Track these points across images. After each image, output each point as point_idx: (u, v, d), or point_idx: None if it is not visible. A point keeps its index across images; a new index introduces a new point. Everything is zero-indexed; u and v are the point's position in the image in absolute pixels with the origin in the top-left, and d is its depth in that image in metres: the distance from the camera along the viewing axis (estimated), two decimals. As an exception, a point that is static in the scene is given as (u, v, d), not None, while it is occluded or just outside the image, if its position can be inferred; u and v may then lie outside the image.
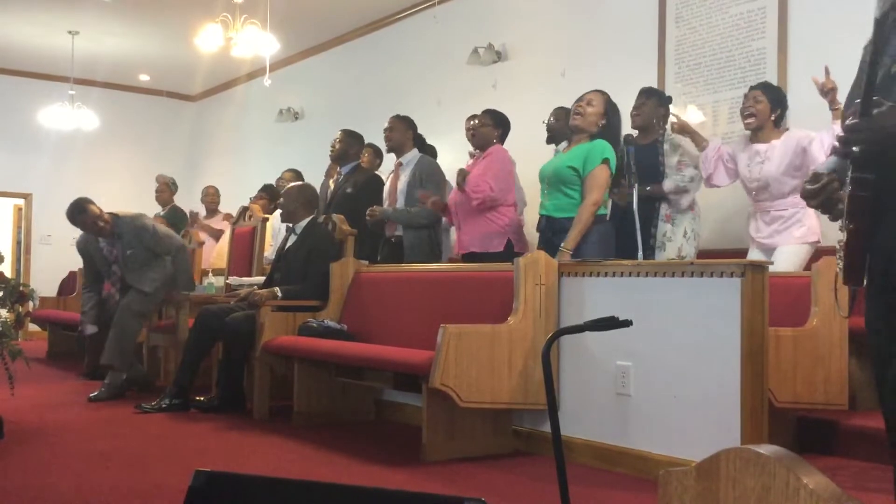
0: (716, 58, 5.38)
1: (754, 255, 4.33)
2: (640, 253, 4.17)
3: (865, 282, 1.79)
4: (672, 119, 4.66)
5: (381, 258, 5.42)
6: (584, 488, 3.01)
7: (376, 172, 6.18)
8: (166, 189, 8.35)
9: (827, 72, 3.95)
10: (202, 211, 8.11)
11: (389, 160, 5.95)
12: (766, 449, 1.43)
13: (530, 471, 3.38)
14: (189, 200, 8.89)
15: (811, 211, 3.98)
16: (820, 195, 1.83)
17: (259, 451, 3.73)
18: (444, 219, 5.31)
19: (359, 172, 5.92)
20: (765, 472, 1.40)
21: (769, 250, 4.31)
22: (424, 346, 3.64)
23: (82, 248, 5.69)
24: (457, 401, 3.44)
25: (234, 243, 6.12)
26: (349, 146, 5.96)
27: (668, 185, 4.50)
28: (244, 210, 6.23)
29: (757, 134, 4.39)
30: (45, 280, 9.12)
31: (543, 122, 5.33)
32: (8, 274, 4.41)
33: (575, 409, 3.58)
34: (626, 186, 4.42)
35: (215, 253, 7.33)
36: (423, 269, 4.57)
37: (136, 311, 5.34)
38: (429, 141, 5.81)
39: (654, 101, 4.69)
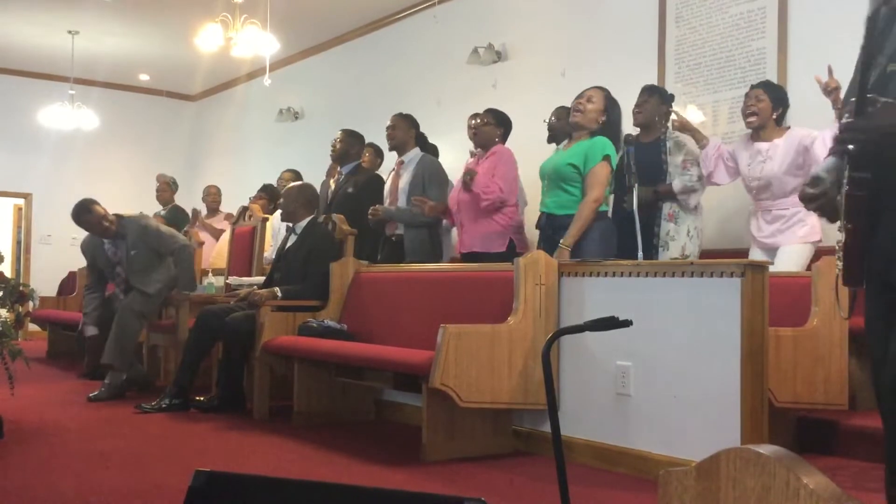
0: (716, 57, 5.38)
1: (755, 254, 4.33)
2: (640, 253, 4.17)
3: (865, 282, 1.79)
4: (672, 117, 4.66)
5: (381, 257, 5.41)
6: (584, 488, 3.01)
7: (377, 172, 6.18)
8: (167, 188, 8.36)
9: (830, 71, 3.94)
10: (203, 210, 8.11)
11: (390, 160, 5.95)
12: (766, 449, 1.43)
13: (530, 471, 3.38)
14: (189, 200, 8.89)
15: None
16: (818, 200, 1.83)
17: (259, 451, 3.73)
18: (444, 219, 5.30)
19: (360, 172, 5.92)
20: (765, 472, 1.40)
21: (770, 250, 4.31)
22: (424, 346, 3.64)
23: (87, 249, 5.70)
24: (457, 401, 3.44)
25: (234, 243, 6.12)
26: (350, 146, 5.96)
27: (677, 185, 4.49)
28: (244, 210, 6.23)
29: (759, 133, 4.38)
30: (45, 280, 9.12)
31: (545, 122, 5.33)
32: (8, 274, 4.41)
33: (575, 409, 3.58)
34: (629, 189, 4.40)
35: (215, 253, 7.33)
36: (423, 269, 4.57)
37: (137, 311, 5.34)
38: (429, 141, 5.80)
39: (656, 98, 4.68)
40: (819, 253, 4.16)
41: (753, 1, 5.18)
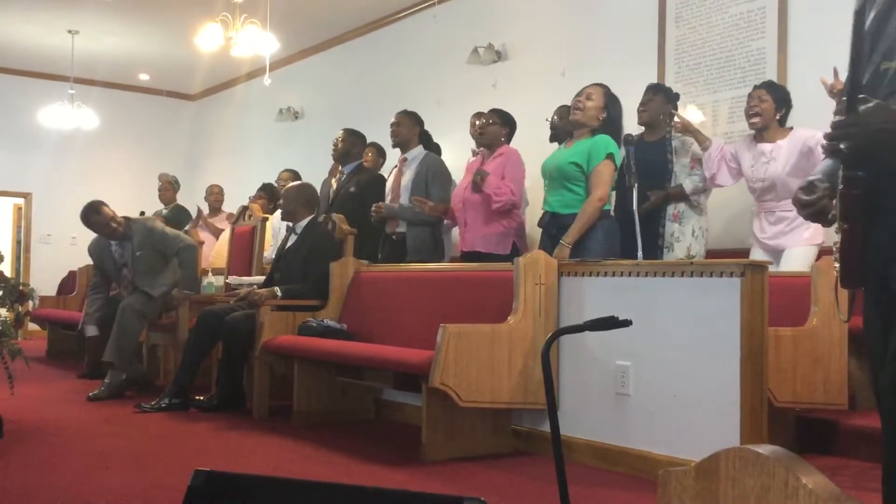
0: (716, 57, 5.38)
1: (757, 255, 4.31)
2: (640, 252, 4.17)
3: (863, 283, 1.79)
4: (675, 120, 4.63)
5: (382, 256, 5.40)
6: (583, 488, 3.01)
7: (379, 172, 6.17)
8: (169, 188, 8.36)
9: (836, 73, 3.93)
10: (205, 209, 8.10)
11: (392, 160, 5.94)
12: (765, 449, 1.43)
13: (530, 470, 3.38)
14: (189, 200, 8.89)
15: None
16: (810, 208, 1.83)
17: (259, 450, 3.73)
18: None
19: (362, 172, 5.91)
20: (764, 471, 1.40)
21: (773, 251, 4.29)
22: (424, 345, 3.64)
23: (94, 251, 5.75)
24: (456, 400, 3.44)
25: (234, 243, 6.12)
26: (352, 145, 5.95)
27: (688, 186, 4.48)
28: (244, 209, 6.23)
29: (762, 133, 4.36)
30: (45, 279, 9.11)
31: (547, 120, 5.32)
32: (8, 273, 4.41)
33: (574, 409, 3.58)
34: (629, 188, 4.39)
35: (214, 252, 7.33)
36: (423, 269, 4.57)
37: (139, 310, 5.35)
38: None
39: (661, 97, 4.66)
40: (819, 253, 4.16)
41: (753, 1, 5.18)
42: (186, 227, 7.41)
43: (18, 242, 11.01)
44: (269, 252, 5.99)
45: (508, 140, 4.97)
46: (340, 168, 5.99)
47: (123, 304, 5.36)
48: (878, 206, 1.69)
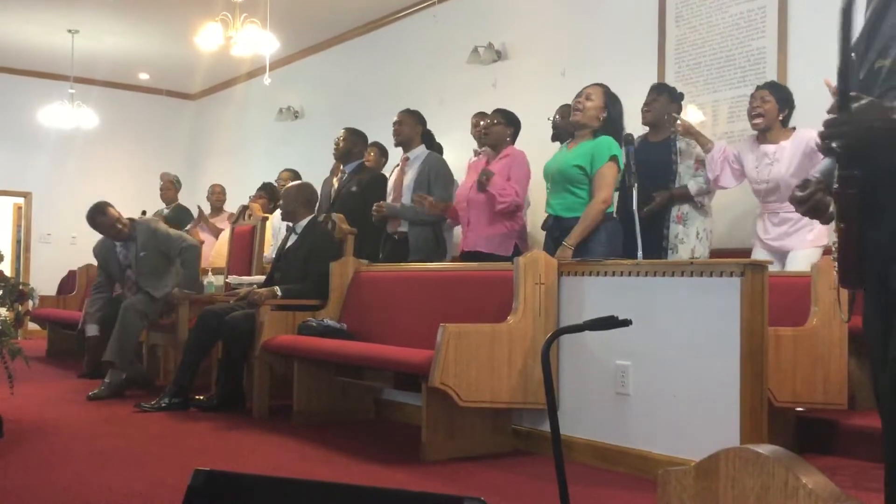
0: (716, 57, 5.38)
1: (760, 255, 4.29)
2: (640, 252, 4.17)
3: (863, 283, 1.78)
4: (677, 123, 4.60)
5: (383, 256, 5.39)
6: (583, 487, 3.01)
7: (381, 171, 6.16)
8: (171, 187, 8.35)
9: None
10: (206, 209, 8.09)
11: (395, 159, 5.93)
12: (765, 448, 1.43)
13: (530, 470, 3.38)
14: (189, 199, 8.89)
15: None
16: (806, 203, 1.83)
17: (258, 450, 3.73)
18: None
19: (363, 171, 5.90)
20: (764, 471, 1.40)
21: (777, 252, 4.28)
22: (424, 345, 3.64)
23: (99, 252, 5.79)
24: (456, 400, 3.44)
25: (234, 242, 6.12)
26: (353, 144, 5.94)
27: (692, 187, 4.47)
28: (244, 209, 6.23)
29: (765, 134, 4.35)
30: (45, 279, 9.12)
31: (549, 119, 5.32)
32: (8, 272, 4.41)
33: (574, 409, 3.58)
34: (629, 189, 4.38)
35: (214, 252, 7.33)
36: (423, 269, 4.57)
37: (141, 310, 5.37)
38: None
39: (665, 97, 4.65)
40: (823, 254, 4.15)
41: (753, 0, 5.18)
42: (187, 227, 7.40)
43: (18, 242, 11.02)
44: (270, 252, 5.98)
45: (513, 140, 4.94)
46: (342, 167, 5.98)
47: (126, 304, 5.38)
48: (875, 205, 1.68)
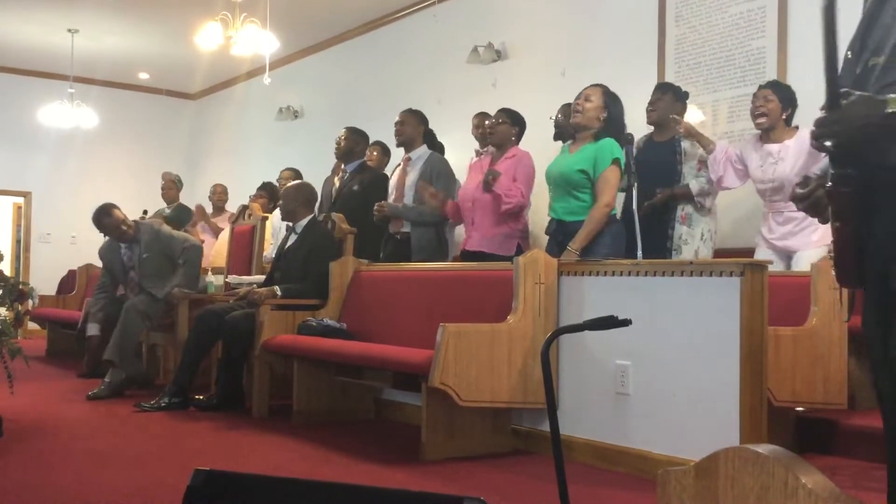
0: (716, 57, 5.38)
1: (763, 253, 4.28)
2: (640, 252, 4.16)
3: (861, 283, 1.78)
4: (678, 126, 4.59)
5: (384, 256, 5.38)
6: (583, 487, 3.01)
7: (383, 171, 6.15)
8: (172, 186, 8.34)
9: None
10: (209, 208, 8.08)
11: (397, 159, 5.92)
12: (764, 448, 1.43)
13: (529, 470, 3.38)
14: (189, 199, 8.88)
15: None
16: (806, 200, 1.82)
17: (258, 449, 3.73)
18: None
19: (365, 170, 5.89)
20: (763, 471, 1.40)
21: (782, 251, 4.27)
22: (424, 345, 3.64)
23: (104, 254, 5.82)
24: (456, 400, 3.44)
25: (234, 242, 6.12)
26: (355, 144, 5.93)
27: (694, 186, 4.46)
28: (244, 208, 6.23)
29: (768, 134, 4.33)
30: (45, 278, 9.12)
31: (551, 119, 5.31)
32: (7, 272, 4.41)
33: (574, 409, 3.58)
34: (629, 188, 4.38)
35: (214, 251, 7.33)
36: (423, 268, 4.57)
37: (142, 311, 5.39)
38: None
39: (669, 96, 4.64)
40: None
41: (753, 0, 5.18)
42: (186, 227, 7.40)
43: (18, 241, 11.02)
44: (270, 251, 5.98)
45: (518, 140, 4.91)
46: (343, 166, 5.98)
47: (128, 305, 5.41)
48: (872, 204, 1.67)
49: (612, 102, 4.14)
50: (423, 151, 5.37)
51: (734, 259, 3.28)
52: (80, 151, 10.43)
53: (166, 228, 5.77)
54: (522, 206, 4.72)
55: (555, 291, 3.69)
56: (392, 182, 5.47)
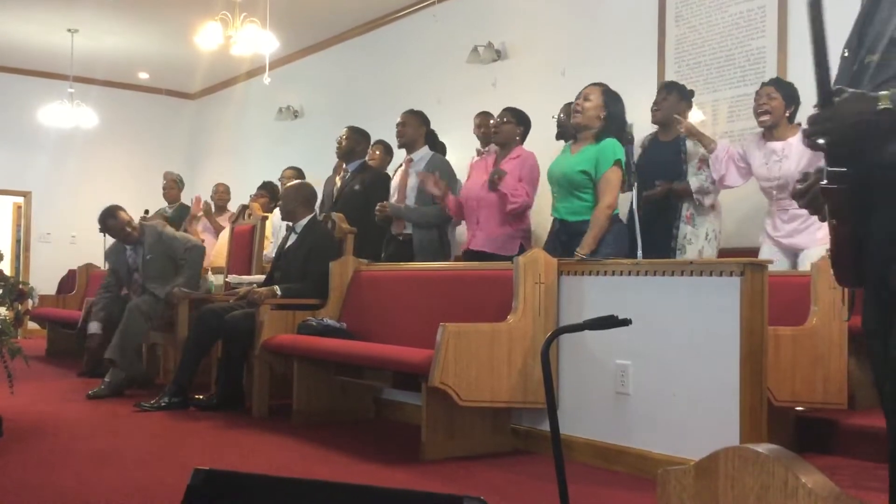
0: (715, 57, 5.38)
1: (768, 250, 4.27)
2: (640, 252, 4.16)
3: (861, 283, 1.77)
4: (679, 126, 4.58)
5: (385, 256, 5.37)
6: (583, 487, 3.01)
7: (384, 170, 6.15)
8: (174, 186, 8.33)
9: None
10: (211, 207, 8.06)
11: (399, 158, 5.91)
12: (764, 448, 1.43)
13: (529, 469, 3.38)
14: (189, 199, 8.88)
15: None
16: (805, 195, 1.81)
17: (258, 449, 3.73)
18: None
19: (366, 170, 5.89)
20: (763, 470, 1.40)
21: (788, 249, 4.27)
22: (424, 344, 3.64)
23: (110, 255, 5.89)
24: (456, 399, 3.44)
25: (234, 242, 6.12)
26: (356, 143, 5.93)
27: (693, 183, 4.46)
28: (243, 208, 6.23)
29: (772, 132, 4.33)
30: (45, 278, 9.11)
31: (553, 118, 5.31)
32: (7, 272, 4.42)
33: (574, 408, 3.58)
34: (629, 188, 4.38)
35: (215, 252, 7.33)
36: (423, 268, 4.57)
37: (145, 311, 5.40)
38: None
39: (675, 95, 4.63)
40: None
41: (753, 0, 5.17)
42: (184, 226, 7.40)
43: (18, 241, 11.01)
44: (270, 250, 5.98)
45: (523, 139, 4.90)
46: (345, 166, 5.98)
47: (131, 305, 5.43)
48: (869, 202, 1.66)
49: (611, 101, 4.13)
50: (424, 153, 5.36)
51: (734, 259, 3.28)
52: (80, 151, 10.43)
53: (169, 230, 5.80)
54: (527, 206, 4.72)
55: (555, 291, 3.69)
56: (394, 183, 5.46)
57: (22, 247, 10.66)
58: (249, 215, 6.04)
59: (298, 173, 7.01)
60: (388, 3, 7.82)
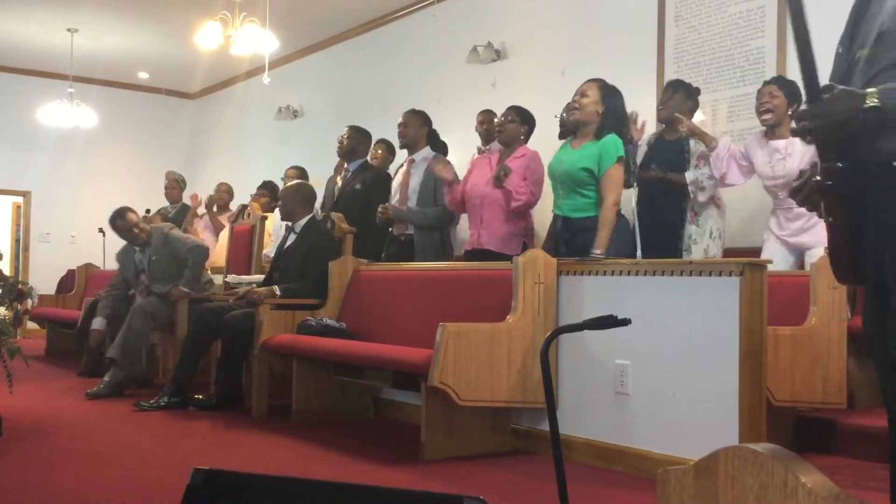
0: (715, 57, 5.38)
1: (772, 249, 4.26)
2: (640, 252, 4.16)
3: (860, 282, 1.77)
4: (680, 126, 4.58)
5: (386, 256, 5.37)
6: (582, 487, 3.01)
7: (386, 169, 6.14)
8: (176, 186, 8.32)
9: None
10: (213, 207, 8.05)
11: (401, 157, 5.90)
12: (764, 447, 1.43)
13: (529, 469, 3.38)
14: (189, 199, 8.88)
15: None
16: (801, 192, 1.81)
17: (257, 449, 3.73)
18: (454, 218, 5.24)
19: (367, 169, 5.88)
20: (763, 470, 1.40)
21: (793, 247, 4.27)
22: (423, 344, 3.63)
23: (120, 256, 5.93)
24: (455, 399, 3.44)
25: (233, 241, 6.12)
26: (357, 142, 5.92)
27: (689, 176, 4.46)
28: (243, 208, 6.23)
29: (774, 130, 4.32)
30: (44, 278, 9.10)
31: (556, 117, 5.31)
32: (7, 271, 4.42)
33: (573, 408, 3.58)
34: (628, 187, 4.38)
35: (215, 251, 7.32)
36: (422, 268, 4.57)
37: (149, 312, 5.41)
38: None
39: (681, 94, 4.63)
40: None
41: (752, 0, 5.17)
42: (184, 226, 7.39)
43: (17, 241, 11.01)
44: (269, 250, 5.98)
45: (527, 138, 4.89)
46: (346, 165, 5.97)
47: (135, 306, 5.46)
48: (866, 199, 1.66)
49: (609, 95, 4.10)
50: (426, 153, 5.35)
51: (734, 259, 3.28)
52: (80, 151, 10.42)
53: (175, 232, 5.83)
54: (531, 204, 4.72)
55: (554, 291, 3.69)
56: (395, 184, 5.45)
57: (21, 246, 10.66)
58: (248, 215, 6.04)
59: (301, 173, 7.00)
60: (387, 3, 7.82)
